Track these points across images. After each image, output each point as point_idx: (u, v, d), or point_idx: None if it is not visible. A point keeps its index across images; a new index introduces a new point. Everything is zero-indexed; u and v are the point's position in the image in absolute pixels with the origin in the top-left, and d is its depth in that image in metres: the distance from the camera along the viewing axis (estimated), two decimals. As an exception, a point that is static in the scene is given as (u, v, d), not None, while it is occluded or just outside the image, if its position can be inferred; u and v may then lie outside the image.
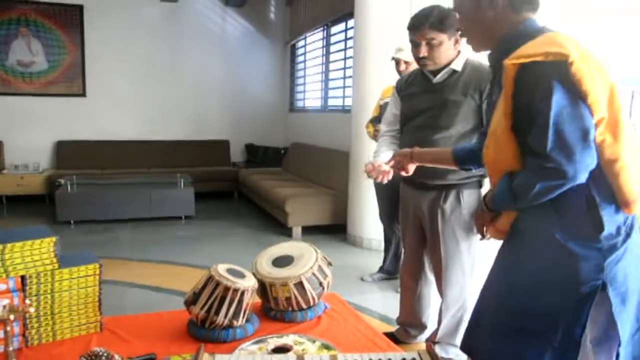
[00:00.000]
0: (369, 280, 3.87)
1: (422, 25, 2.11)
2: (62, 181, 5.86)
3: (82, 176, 6.27)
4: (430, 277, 2.43)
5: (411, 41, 2.19)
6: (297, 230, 5.24)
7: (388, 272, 3.85)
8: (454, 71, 2.19)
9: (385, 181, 2.12)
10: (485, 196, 1.47)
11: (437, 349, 2.43)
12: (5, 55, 7.09)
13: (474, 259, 2.30)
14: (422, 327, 2.56)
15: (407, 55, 3.25)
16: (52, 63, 7.26)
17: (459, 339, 2.39)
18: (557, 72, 1.19)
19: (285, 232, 5.30)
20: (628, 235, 1.30)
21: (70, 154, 7.33)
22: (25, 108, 7.19)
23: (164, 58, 7.67)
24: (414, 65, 3.23)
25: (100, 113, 7.49)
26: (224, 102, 8.08)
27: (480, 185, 2.24)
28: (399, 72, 3.38)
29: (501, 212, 1.42)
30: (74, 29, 7.27)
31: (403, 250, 2.64)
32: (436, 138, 2.15)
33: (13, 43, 7.10)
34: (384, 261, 3.91)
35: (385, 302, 3.49)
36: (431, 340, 2.47)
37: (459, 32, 1.51)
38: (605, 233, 1.27)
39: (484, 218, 1.50)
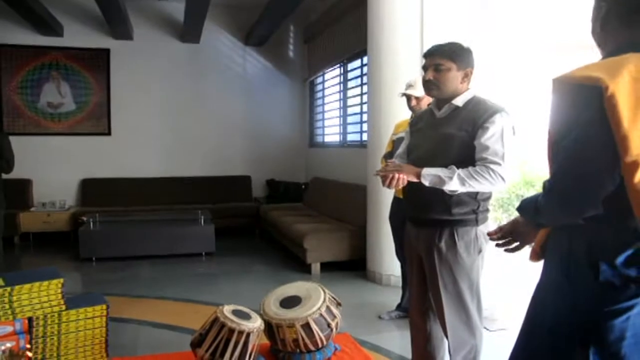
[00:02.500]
0: (386, 318, 3.80)
1: (434, 52, 2.20)
2: (85, 219, 5.98)
3: (105, 213, 6.39)
4: None
5: (423, 67, 2.26)
6: (316, 267, 5.20)
7: (405, 310, 3.76)
8: (456, 107, 2.20)
9: (401, 185, 2.11)
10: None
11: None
12: (37, 97, 7.39)
13: (479, 298, 2.24)
14: None
15: (417, 91, 3.27)
16: (79, 104, 7.52)
17: None
18: (589, 100, 1.06)
19: (304, 268, 5.27)
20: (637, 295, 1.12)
21: (95, 191, 7.50)
22: (53, 147, 7.42)
23: (187, 97, 7.86)
24: (425, 101, 3.25)
25: (124, 151, 7.68)
26: (246, 139, 8.20)
27: (477, 222, 2.20)
28: (411, 107, 3.40)
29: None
30: (101, 71, 7.55)
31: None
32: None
33: (44, 86, 7.41)
34: (402, 298, 3.84)
35: (403, 342, 3.40)
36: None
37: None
38: (601, 279, 1.12)
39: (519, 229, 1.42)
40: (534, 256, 1.37)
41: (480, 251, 2.23)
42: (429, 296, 2.35)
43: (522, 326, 1.36)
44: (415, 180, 2.10)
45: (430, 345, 2.43)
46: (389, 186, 2.13)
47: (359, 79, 6.34)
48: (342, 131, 7.03)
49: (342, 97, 6.99)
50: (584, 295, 1.14)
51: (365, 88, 5.89)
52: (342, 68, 6.95)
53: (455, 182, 2.05)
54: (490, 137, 2.08)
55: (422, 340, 2.44)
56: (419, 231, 2.31)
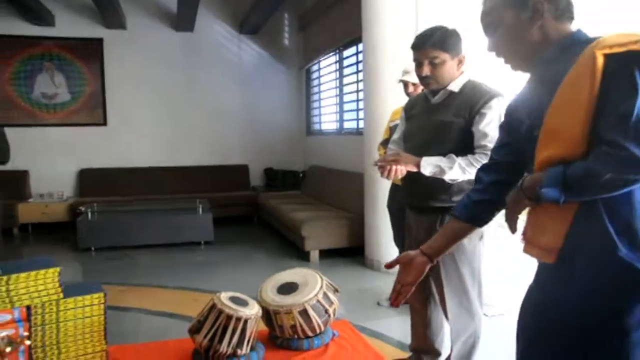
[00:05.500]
0: (385, 304, 3.82)
1: (424, 44, 2.11)
2: (83, 209, 5.97)
3: (103, 203, 6.39)
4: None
5: (414, 60, 2.20)
6: (314, 254, 5.22)
7: (404, 296, 3.79)
8: (452, 92, 2.17)
9: (400, 175, 2.10)
10: (521, 184, 1.28)
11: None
12: (31, 88, 7.34)
13: (480, 284, 2.24)
14: (436, 354, 2.50)
15: (414, 77, 3.25)
16: (74, 94, 7.48)
17: None
18: None
19: (303, 256, 5.28)
20: None
21: (92, 181, 7.49)
22: (49, 138, 7.40)
23: (182, 86, 7.83)
24: (422, 87, 3.24)
25: (120, 141, 7.66)
26: (242, 128, 8.18)
27: None
28: (408, 94, 3.38)
29: (545, 223, 1.25)
30: (95, 61, 7.51)
31: None
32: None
33: (38, 77, 7.36)
34: (400, 284, 3.85)
35: (402, 327, 3.42)
36: (445, 366, 2.41)
37: (494, 53, 1.38)
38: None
39: (520, 209, 1.33)
40: (550, 254, 1.24)
41: (481, 237, 2.22)
42: (429, 283, 2.35)
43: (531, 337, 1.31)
44: (414, 170, 2.09)
45: (430, 331, 2.44)
46: (387, 177, 2.13)
47: (355, 66, 6.32)
48: (338, 119, 7.02)
49: (338, 84, 6.96)
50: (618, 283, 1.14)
51: (361, 75, 5.87)
52: (337, 55, 6.92)
53: (455, 171, 2.04)
54: (489, 124, 2.07)
55: (422, 326, 2.45)
56: (419, 218, 2.30)
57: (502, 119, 2.05)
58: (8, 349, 1.31)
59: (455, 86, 2.17)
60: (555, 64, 1.27)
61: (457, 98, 2.16)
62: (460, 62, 2.16)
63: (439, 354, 2.50)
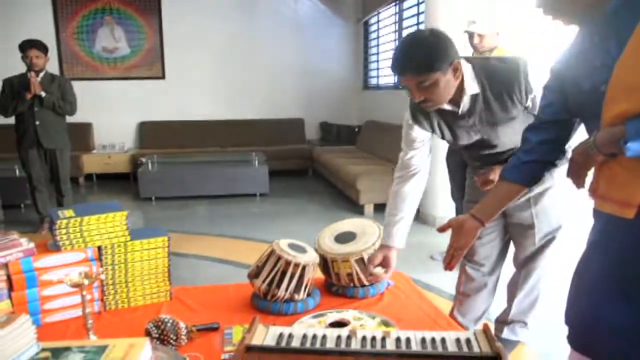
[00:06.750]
0: (439, 258, 3.80)
1: (405, 72, 1.72)
2: (144, 160, 6.19)
3: (162, 155, 6.60)
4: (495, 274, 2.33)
5: (401, 83, 1.93)
6: (369, 208, 5.23)
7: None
8: (474, 95, 1.84)
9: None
10: (593, 140, 1.20)
11: (506, 331, 2.35)
12: (92, 43, 7.56)
13: (560, 238, 2.16)
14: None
15: (480, 27, 3.11)
16: (133, 48, 7.65)
17: (531, 318, 2.30)
18: None
19: (357, 209, 5.31)
20: None
21: (152, 134, 7.73)
22: (110, 92, 7.64)
23: (239, 39, 7.83)
24: (489, 38, 3.10)
25: (179, 94, 7.81)
26: (298, 81, 8.16)
27: None
28: (473, 45, 3.24)
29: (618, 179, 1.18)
30: (153, 15, 7.61)
31: None
32: (505, 157, 1.95)
33: (99, 31, 7.56)
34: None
35: (455, 282, 3.41)
36: (502, 321, 2.38)
37: (542, 10, 1.27)
38: None
39: (590, 165, 1.25)
40: (632, 210, 1.15)
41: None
42: (497, 244, 2.28)
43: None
44: None
45: (482, 297, 2.40)
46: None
47: (416, 18, 6.11)
48: (396, 72, 6.85)
49: (397, 37, 6.76)
50: None
51: (422, 27, 5.67)
52: (397, 7, 6.70)
53: None
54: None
55: (474, 290, 2.41)
56: None
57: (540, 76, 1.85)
58: (86, 282, 1.39)
59: (472, 89, 1.82)
60: (619, 15, 1.19)
61: (485, 97, 1.85)
62: (457, 69, 1.74)
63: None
